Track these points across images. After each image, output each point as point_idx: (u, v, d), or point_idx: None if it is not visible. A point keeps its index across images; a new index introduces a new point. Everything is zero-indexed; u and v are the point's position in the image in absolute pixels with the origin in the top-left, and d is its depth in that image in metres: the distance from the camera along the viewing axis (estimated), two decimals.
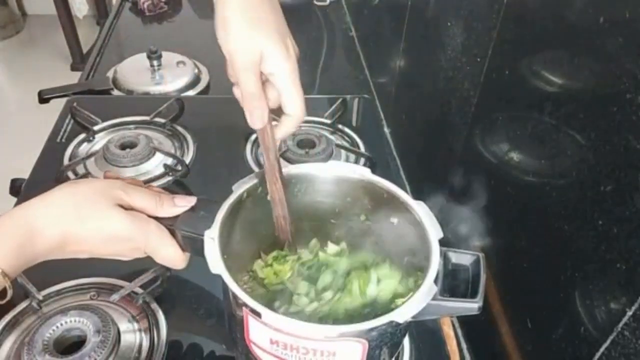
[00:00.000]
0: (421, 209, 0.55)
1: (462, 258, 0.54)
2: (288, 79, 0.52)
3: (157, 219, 0.54)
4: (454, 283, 0.53)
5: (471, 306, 0.50)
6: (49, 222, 0.50)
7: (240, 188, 0.56)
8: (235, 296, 0.47)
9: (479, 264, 0.53)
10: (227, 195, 0.56)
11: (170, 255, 0.55)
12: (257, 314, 0.46)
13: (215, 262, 0.49)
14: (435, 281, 0.49)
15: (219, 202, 0.55)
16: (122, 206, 0.53)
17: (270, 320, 0.46)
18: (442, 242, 0.53)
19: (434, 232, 0.53)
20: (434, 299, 0.48)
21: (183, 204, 0.55)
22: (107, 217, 0.51)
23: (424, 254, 0.53)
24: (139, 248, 0.54)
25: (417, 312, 0.47)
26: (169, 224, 0.55)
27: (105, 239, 0.52)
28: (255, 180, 0.57)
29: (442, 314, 0.51)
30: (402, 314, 0.46)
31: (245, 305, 0.47)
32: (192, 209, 0.55)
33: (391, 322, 0.46)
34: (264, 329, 0.48)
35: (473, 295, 0.51)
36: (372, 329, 0.46)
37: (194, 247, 0.54)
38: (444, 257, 0.53)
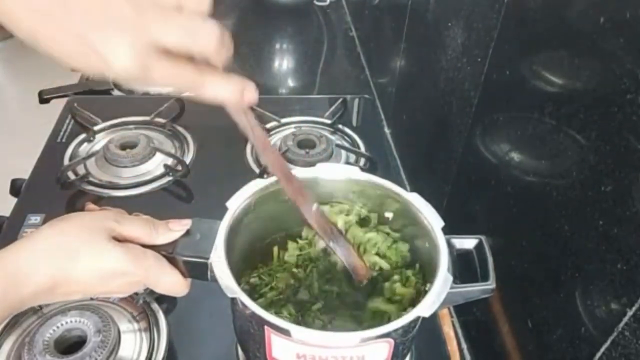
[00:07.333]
0: (418, 201, 0.56)
1: (465, 243, 0.54)
2: None
3: (153, 247, 0.52)
4: (461, 269, 0.53)
5: (487, 288, 0.51)
6: (37, 266, 0.47)
7: (234, 204, 0.55)
8: (256, 316, 0.46)
9: (483, 246, 0.53)
10: (227, 197, 0.56)
11: (172, 284, 0.53)
12: (286, 332, 0.45)
13: (230, 286, 0.47)
14: (448, 270, 0.49)
15: (213, 220, 0.54)
16: (116, 238, 0.50)
17: (301, 337, 0.45)
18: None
19: (436, 222, 0.53)
20: (450, 287, 0.48)
21: (178, 227, 0.53)
22: (101, 253, 0.48)
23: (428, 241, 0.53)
24: (138, 282, 0.51)
25: (440, 304, 0.47)
26: (168, 252, 0.52)
27: (102, 276, 0.49)
28: (248, 193, 0.56)
29: (458, 301, 0.52)
30: (427, 308, 0.47)
31: (270, 324, 0.46)
32: (188, 232, 0.53)
33: (417, 317, 0.47)
34: (290, 345, 0.47)
35: (484, 277, 0.51)
36: (399, 327, 0.46)
37: (195, 271, 0.53)
38: (449, 245, 0.52)
